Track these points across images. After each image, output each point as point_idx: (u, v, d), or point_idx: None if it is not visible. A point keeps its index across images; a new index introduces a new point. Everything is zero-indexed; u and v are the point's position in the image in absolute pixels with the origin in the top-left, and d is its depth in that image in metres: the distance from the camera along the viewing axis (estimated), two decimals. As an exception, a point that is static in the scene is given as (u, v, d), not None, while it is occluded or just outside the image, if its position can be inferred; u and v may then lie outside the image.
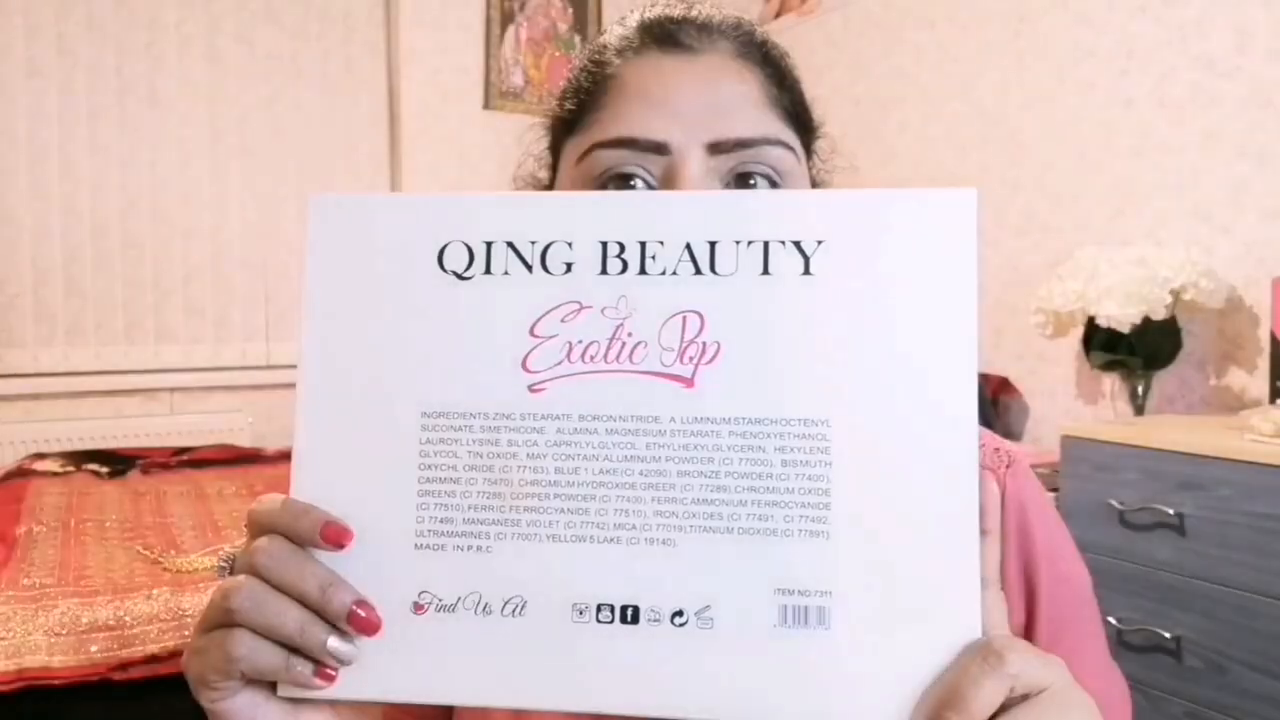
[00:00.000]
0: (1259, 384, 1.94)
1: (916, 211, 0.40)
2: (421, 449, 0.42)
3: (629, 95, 0.52)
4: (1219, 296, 1.90)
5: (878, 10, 2.84)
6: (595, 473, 0.41)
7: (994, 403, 2.38)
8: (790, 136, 0.54)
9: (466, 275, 0.42)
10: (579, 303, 0.41)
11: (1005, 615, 0.40)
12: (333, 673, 0.40)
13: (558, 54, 3.41)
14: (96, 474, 2.34)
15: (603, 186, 0.52)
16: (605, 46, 0.56)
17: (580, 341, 0.41)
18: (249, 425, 2.98)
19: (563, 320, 0.41)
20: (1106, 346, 1.99)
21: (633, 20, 0.57)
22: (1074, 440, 1.78)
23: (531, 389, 0.41)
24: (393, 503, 0.42)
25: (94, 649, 1.37)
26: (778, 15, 3.18)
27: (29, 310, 2.78)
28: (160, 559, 1.65)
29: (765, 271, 0.41)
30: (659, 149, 0.50)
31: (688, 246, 0.41)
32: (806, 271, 0.41)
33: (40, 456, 2.46)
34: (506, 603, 0.41)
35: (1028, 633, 0.56)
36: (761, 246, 0.41)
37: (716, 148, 0.51)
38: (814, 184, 0.59)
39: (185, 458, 2.54)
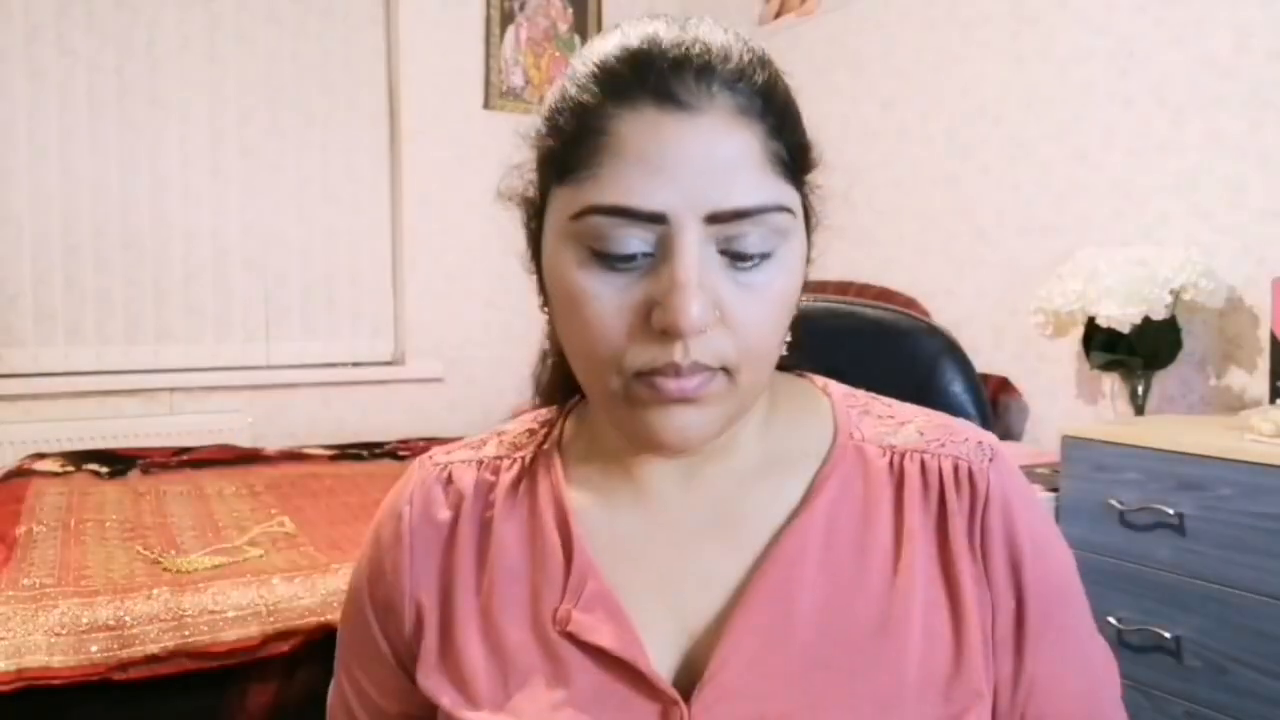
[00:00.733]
0: (1259, 384, 1.94)
1: None
2: None
3: (627, 158, 0.50)
4: (1219, 296, 1.90)
5: (878, 10, 2.84)
6: None
7: (994, 403, 2.37)
8: (788, 194, 0.54)
9: None
10: None
11: None
12: None
13: (558, 54, 3.41)
14: (96, 474, 2.34)
15: (600, 254, 0.51)
16: (598, 86, 0.52)
17: None
18: (249, 425, 2.98)
19: None
20: (1106, 346, 1.99)
21: (628, 49, 0.52)
22: (1074, 440, 1.78)
23: None
24: None
25: (94, 649, 1.37)
26: (778, 15, 3.18)
27: (29, 310, 2.78)
28: (160, 559, 1.65)
29: None
30: (657, 219, 0.50)
31: None
32: None
33: (40, 456, 2.46)
34: None
35: (1017, 624, 0.57)
36: None
37: (715, 218, 0.50)
38: (809, 218, 0.58)
39: (185, 458, 2.54)
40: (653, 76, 0.50)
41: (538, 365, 0.67)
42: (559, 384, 0.66)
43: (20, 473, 2.33)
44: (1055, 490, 1.83)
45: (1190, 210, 2.05)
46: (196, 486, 2.25)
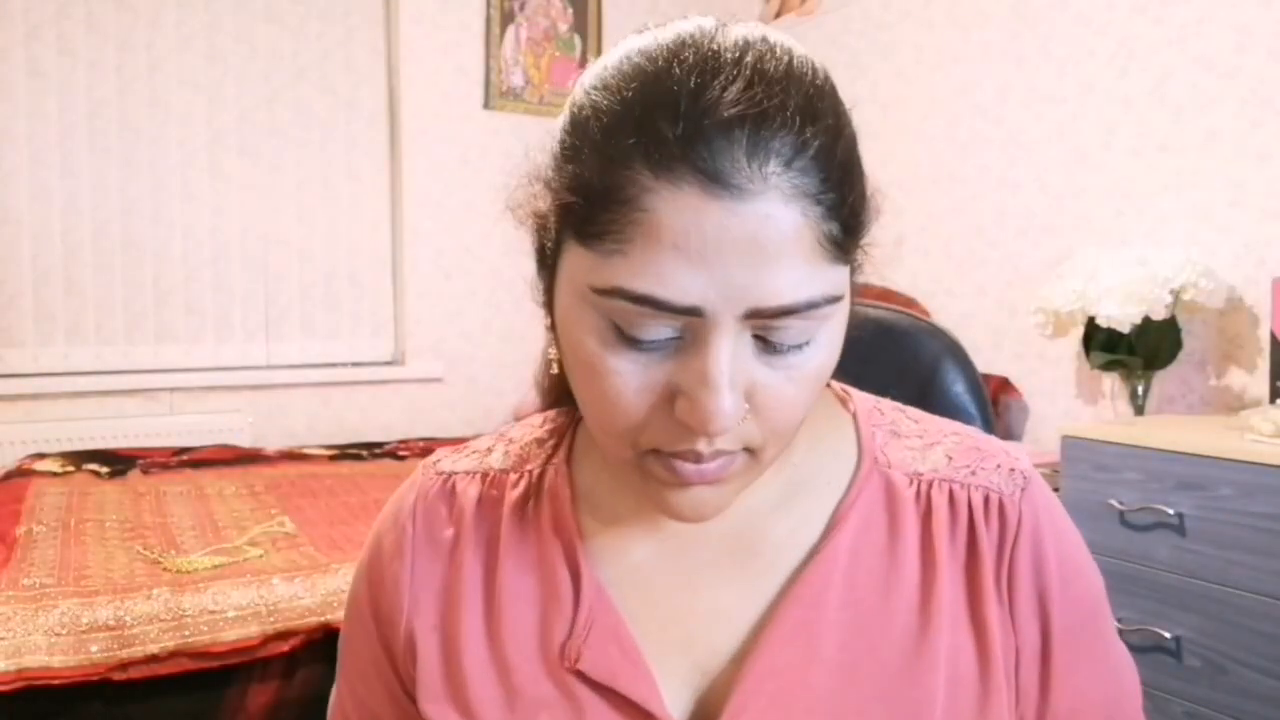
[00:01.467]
0: (1259, 384, 1.94)
1: None
2: None
3: (662, 243, 0.43)
4: (1219, 296, 1.90)
5: (878, 10, 2.84)
6: None
7: (994, 403, 2.37)
8: (838, 277, 0.47)
9: None
10: None
11: None
12: None
13: (558, 54, 3.41)
14: (96, 474, 2.34)
15: (625, 336, 0.46)
16: (635, 147, 0.44)
17: None
18: (249, 425, 2.98)
19: None
20: (1106, 346, 1.99)
21: (671, 95, 0.44)
22: (1074, 440, 1.78)
23: None
24: None
25: (94, 649, 1.36)
26: (778, 15, 3.18)
27: (29, 310, 2.78)
28: (160, 559, 1.65)
29: None
30: (691, 312, 0.44)
31: None
32: None
33: (40, 456, 2.46)
34: None
35: (1043, 659, 0.55)
36: None
37: (756, 314, 0.45)
38: (854, 274, 0.53)
39: (185, 458, 2.54)
40: (700, 148, 0.43)
41: (540, 371, 0.61)
42: (565, 391, 0.60)
43: (20, 473, 2.33)
44: (1055, 490, 1.83)
45: (1190, 210, 2.06)
46: (196, 486, 2.25)
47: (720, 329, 0.45)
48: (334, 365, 3.17)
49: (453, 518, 0.61)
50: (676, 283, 0.44)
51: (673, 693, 0.53)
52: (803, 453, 0.58)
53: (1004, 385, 2.41)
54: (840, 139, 0.46)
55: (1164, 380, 2.06)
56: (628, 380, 0.47)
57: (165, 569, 1.60)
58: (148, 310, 2.93)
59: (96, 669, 1.35)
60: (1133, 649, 1.71)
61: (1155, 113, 2.12)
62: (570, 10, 3.42)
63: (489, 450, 0.64)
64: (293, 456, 2.65)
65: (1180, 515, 1.60)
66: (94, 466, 2.38)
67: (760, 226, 0.43)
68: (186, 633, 1.42)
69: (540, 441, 0.63)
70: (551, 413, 0.64)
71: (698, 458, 0.48)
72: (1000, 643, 0.53)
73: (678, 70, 0.44)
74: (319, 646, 1.46)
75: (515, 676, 0.55)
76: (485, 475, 0.62)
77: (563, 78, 3.37)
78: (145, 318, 2.92)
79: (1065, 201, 2.32)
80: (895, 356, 0.81)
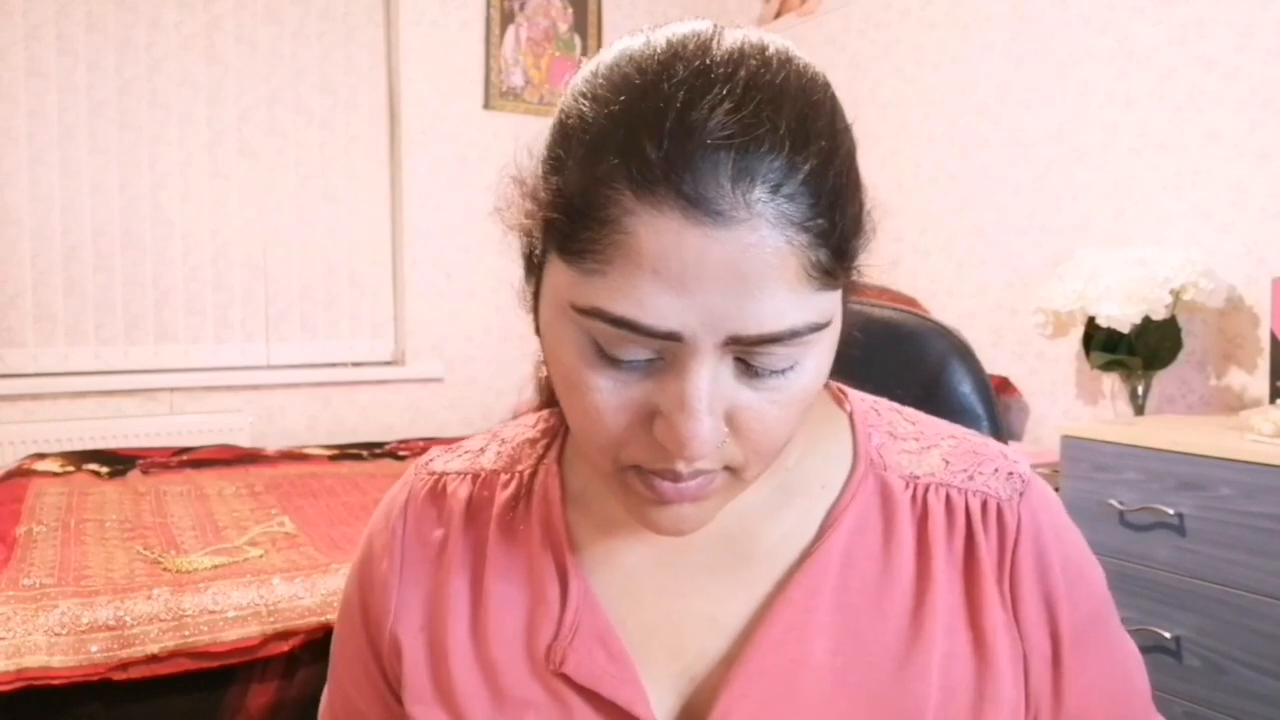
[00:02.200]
0: (1259, 384, 1.94)
1: None
2: None
3: (642, 268, 0.42)
4: (1219, 296, 1.90)
5: (878, 10, 2.84)
6: None
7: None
8: (825, 303, 0.46)
9: None
10: None
11: None
12: None
13: (558, 54, 3.40)
14: (96, 474, 2.34)
15: (605, 355, 0.46)
16: (619, 165, 0.43)
17: None
18: (249, 425, 2.98)
19: None
20: (1106, 346, 1.99)
21: (658, 111, 0.42)
22: (1074, 440, 1.78)
23: None
24: None
25: (94, 649, 1.36)
26: (778, 15, 3.18)
27: (29, 310, 2.78)
28: (160, 559, 1.65)
29: None
30: (670, 337, 0.44)
31: None
32: None
33: (40, 456, 2.46)
34: None
35: (1054, 662, 0.55)
36: None
37: (736, 341, 0.44)
38: (846, 295, 0.51)
39: (185, 458, 2.54)
40: (683, 172, 0.41)
41: (537, 370, 0.61)
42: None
43: (20, 473, 2.33)
44: (1055, 490, 1.83)
45: (1190, 210, 2.06)
46: (196, 486, 2.25)
47: (700, 354, 0.44)
48: (334, 365, 3.17)
49: (442, 519, 0.61)
50: (655, 308, 0.43)
51: (660, 697, 0.53)
52: (797, 455, 0.57)
53: (1004, 385, 2.41)
54: (834, 160, 0.45)
55: (1164, 380, 2.06)
56: (607, 398, 0.46)
57: (165, 569, 1.60)
58: (148, 310, 2.92)
59: (96, 669, 1.35)
60: (1133, 649, 1.66)
61: (1155, 113, 2.12)
62: (570, 10, 3.42)
63: (481, 450, 0.64)
64: (293, 456, 2.65)
65: (1180, 515, 1.60)
66: (94, 466, 2.38)
67: (743, 254, 0.42)
68: (186, 633, 1.42)
69: (533, 442, 0.63)
70: (545, 412, 0.64)
71: (676, 477, 0.47)
72: (1004, 651, 0.53)
73: (666, 86, 0.43)
74: (319, 646, 1.46)
75: (501, 678, 0.55)
76: (476, 476, 0.62)
77: (562, 78, 3.37)
78: (145, 318, 2.92)
79: (1065, 201, 2.32)
80: (901, 356, 0.81)
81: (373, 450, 2.76)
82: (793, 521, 0.56)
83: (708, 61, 0.44)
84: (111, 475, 2.34)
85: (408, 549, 0.61)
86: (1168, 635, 1.61)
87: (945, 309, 2.59)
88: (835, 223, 0.44)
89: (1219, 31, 2.00)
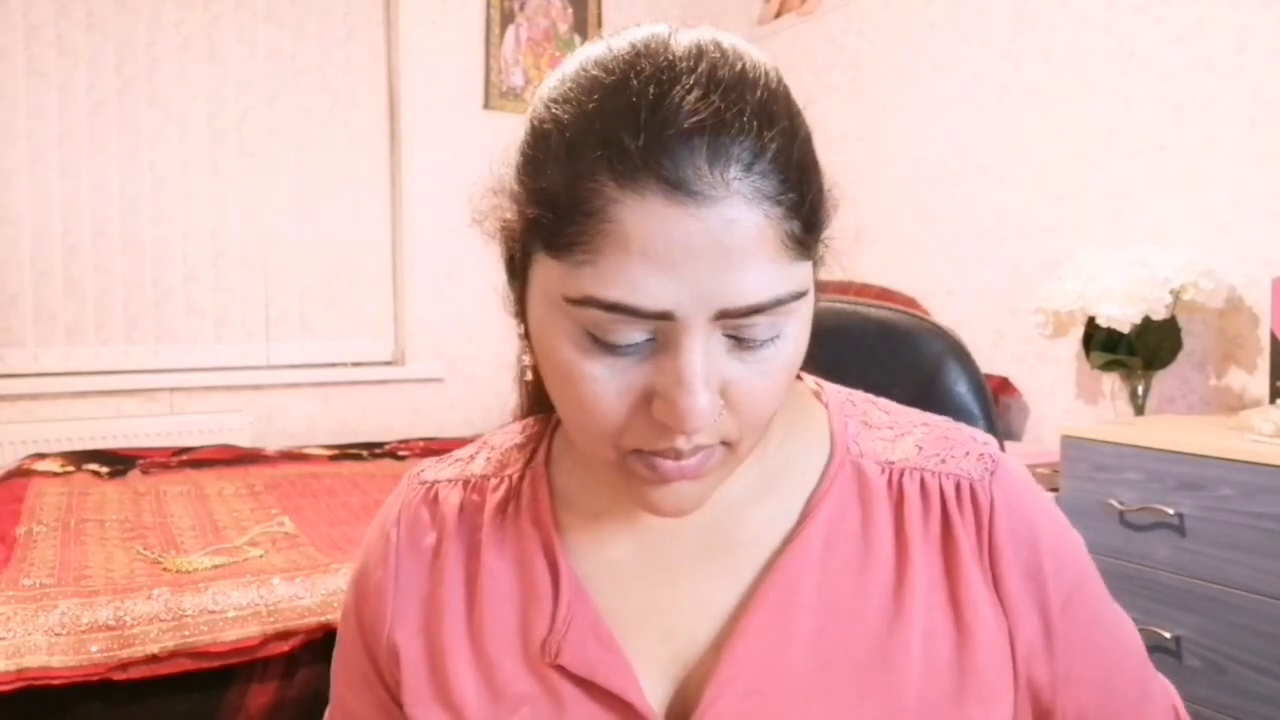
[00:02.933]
0: (1259, 384, 1.94)
1: None
2: None
3: (630, 251, 0.45)
4: (1219, 296, 1.90)
5: (878, 10, 2.84)
6: None
7: (994, 402, 2.37)
8: (803, 273, 0.49)
9: None
10: None
11: None
12: None
13: (558, 54, 3.40)
14: (96, 474, 2.34)
15: (600, 343, 0.48)
16: (598, 159, 0.45)
17: None
18: (249, 425, 2.98)
19: None
20: (1106, 346, 1.99)
21: (631, 105, 0.45)
22: (1074, 440, 1.78)
23: None
24: None
25: (94, 649, 1.36)
26: (778, 15, 3.18)
27: (29, 310, 2.78)
28: (160, 559, 1.65)
29: None
30: (663, 316, 0.46)
31: None
32: None
33: (40, 456, 2.46)
34: None
35: (1045, 633, 0.56)
36: None
37: (725, 314, 0.46)
38: (817, 267, 0.54)
39: (185, 458, 2.54)
40: (662, 157, 0.44)
41: (520, 376, 0.63)
42: (541, 397, 0.61)
43: (20, 473, 2.33)
44: (1055, 490, 1.83)
45: (1190, 210, 2.06)
46: (196, 486, 2.25)
47: (692, 331, 0.46)
48: (334, 365, 3.17)
49: (435, 524, 0.63)
50: (646, 289, 0.45)
51: (651, 683, 0.54)
52: (777, 444, 0.59)
53: (1004, 385, 2.41)
54: (796, 140, 0.48)
55: (1164, 380, 2.06)
56: (605, 385, 0.48)
57: (165, 569, 1.60)
58: (148, 310, 2.93)
59: (96, 669, 1.35)
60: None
61: (1155, 113, 2.12)
62: (570, 10, 3.42)
63: (471, 458, 0.66)
64: (293, 456, 2.65)
65: (1180, 515, 1.60)
66: (94, 466, 2.38)
67: (724, 230, 0.45)
68: (186, 633, 1.42)
69: (520, 447, 0.65)
70: (529, 420, 0.66)
71: (678, 455, 0.49)
72: (987, 626, 0.54)
73: (635, 81, 0.46)
74: (319, 646, 1.46)
75: (498, 674, 0.56)
76: (467, 482, 0.64)
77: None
78: (145, 318, 2.92)
79: (1065, 201, 2.32)
80: (898, 356, 0.81)
81: (373, 450, 2.77)
82: (775, 508, 0.58)
83: (670, 57, 0.47)
84: (111, 475, 2.34)
85: (402, 555, 0.62)
86: (1168, 635, 1.61)
87: (945, 309, 2.59)
88: (804, 196, 0.48)
89: (1219, 31, 2.00)
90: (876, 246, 2.81)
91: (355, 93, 3.20)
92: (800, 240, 0.48)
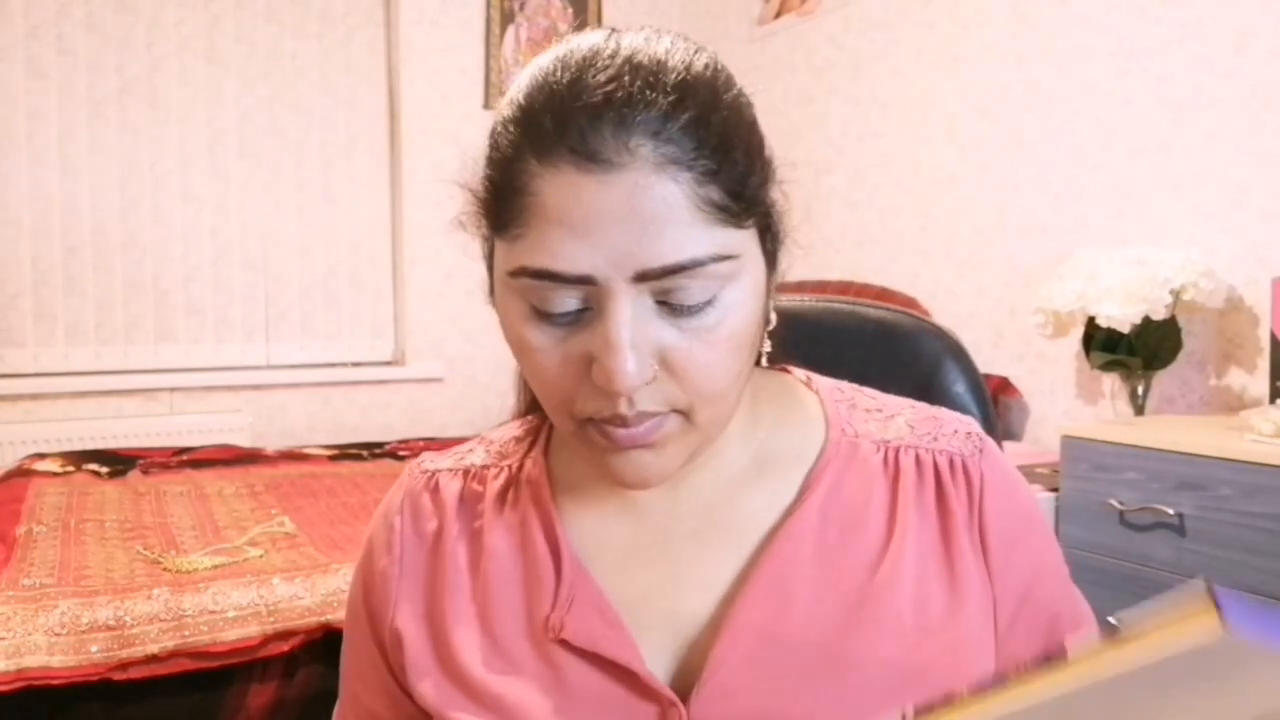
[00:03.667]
0: (1259, 384, 1.94)
1: None
2: None
3: (550, 220, 0.48)
4: (1219, 296, 1.90)
5: (878, 10, 2.84)
6: None
7: (994, 403, 2.37)
8: (727, 238, 0.50)
9: None
10: None
11: None
12: None
13: (558, 54, 3.41)
14: (96, 474, 2.34)
15: (540, 312, 0.51)
16: (522, 138, 0.50)
17: None
18: (249, 425, 2.98)
19: None
20: (1106, 346, 1.99)
21: (548, 89, 0.50)
22: (1074, 440, 1.78)
23: None
24: None
25: (94, 649, 1.36)
26: (778, 15, 3.18)
27: (29, 310, 2.78)
28: (160, 559, 1.65)
29: None
30: (585, 280, 0.48)
31: None
32: None
33: (40, 456, 2.46)
34: None
35: (1020, 596, 0.59)
36: None
37: (643, 276, 0.48)
38: (769, 239, 0.55)
39: (185, 458, 2.54)
40: (572, 131, 0.48)
41: (518, 375, 0.65)
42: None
43: (20, 473, 2.33)
44: (1055, 490, 1.83)
45: (1190, 210, 2.05)
46: (196, 486, 2.25)
47: (616, 294, 0.48)
48: (334, 365, 3.17)
49: (437, 511, 0.64)
50: (565, 255, 0.48)
51: (654, 657, 0.56)
52: (770, 429, 0.62)
53: (1004, 385, 2.41)
54: (716, 112, 0.50)
55: (1164, 380, 2.06)
56: (550, 355, 0.51)
57: (165, 569, 1.60)
58: (148, 310, 2.93)
59: (96, 669, 1.35)
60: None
61: (1155, 113, 2.12)
62: (570, 10, 3.42)
63: (470, 451, 0.68)
64: (293, 456, 2.65)
65: (1180, 515, 1.60)
66: (94, 466, 2.38)
67: (632, 194, 0.47)
68: (186, 633, 1.42)
69: (518, 439, 0.67)
70: (528, 416, 0.68)
71: (624, 421, 0.51)
72: (975, 592, 0.57)
73: (560, 73, 0.50)
74: (319, 646, 1.46)
75: (503, 650, 0.58)
76: (467, 471, 0.66)
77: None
78: (145, 318, 2.92)
79: (1065, 201, 2.32)
80: (896, 356, 0.81)
81: (373, 450, 2.76)
82: (772, 489, 0.60)
83: (596, 50, 0.51)
84: (111, 475, 2.34)
85: (406, 543, 0.64)
86: (1167, 635, 1.61)
87: (945, 309, 2.59)
88: (722, 163, 0.49)
89: (1219, 31, 2.00)
90: (876, 246, 2.80)
91: (355, 93, 3.20)
92: (721, 206, 0.49)
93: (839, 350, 0.79)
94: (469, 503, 0.64)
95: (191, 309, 2.98)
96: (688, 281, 0.49)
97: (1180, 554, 1.61)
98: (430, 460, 0.68)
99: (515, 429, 0.68)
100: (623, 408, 0.50)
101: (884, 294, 2.62)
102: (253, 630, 1.44)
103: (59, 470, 2.34)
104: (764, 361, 0.60)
